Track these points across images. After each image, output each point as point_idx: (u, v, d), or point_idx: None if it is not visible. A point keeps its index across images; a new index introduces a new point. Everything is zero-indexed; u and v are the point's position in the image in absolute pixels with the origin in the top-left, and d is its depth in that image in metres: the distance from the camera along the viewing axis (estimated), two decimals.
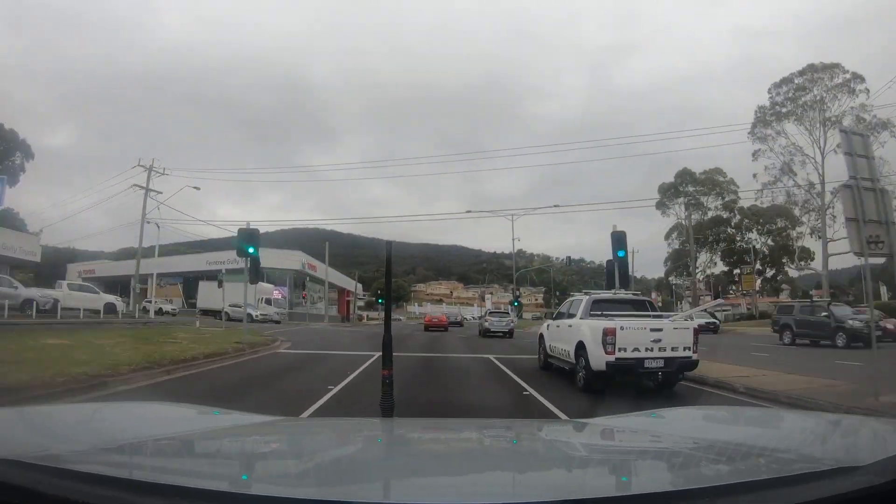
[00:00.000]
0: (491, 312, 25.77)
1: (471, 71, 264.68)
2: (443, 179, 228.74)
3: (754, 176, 33.55)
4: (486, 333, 21.95)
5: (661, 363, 6.72)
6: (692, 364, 6.95)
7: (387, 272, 3.96)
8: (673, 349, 6.76)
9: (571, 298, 9.75)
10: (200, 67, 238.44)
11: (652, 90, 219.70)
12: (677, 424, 1.77)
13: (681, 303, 50.13)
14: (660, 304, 28.18)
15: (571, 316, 8.36)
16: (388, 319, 3.69)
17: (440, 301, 72.99)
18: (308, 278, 41.74)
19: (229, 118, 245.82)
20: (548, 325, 9.85)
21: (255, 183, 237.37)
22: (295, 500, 0.81)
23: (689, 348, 6.83)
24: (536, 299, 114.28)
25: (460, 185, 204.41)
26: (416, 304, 74.37)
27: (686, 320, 7.43)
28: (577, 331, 7.62)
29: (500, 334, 21.55)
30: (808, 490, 0.83)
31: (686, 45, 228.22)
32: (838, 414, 3.49)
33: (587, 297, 8.33)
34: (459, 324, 35.16)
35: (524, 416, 4.90)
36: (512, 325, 22.82)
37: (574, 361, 7.56)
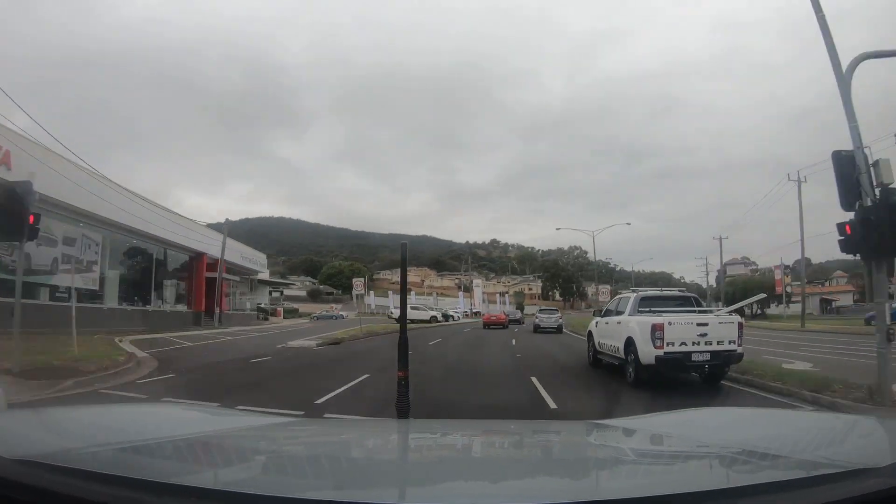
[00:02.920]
0: (541, 310, 32.90)
1: (447, 53, 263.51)
2: (414, 168, 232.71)
3: None
4: (537, 329, 27.35)
5: (707, 356, 7.80)
6: (738, 357, 8.04)
7: (402, 273, 4.48)
8: (719, 343, 7.86)
9: (619, 296, 11.03)
10: (164, 47, 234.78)
11: (631, 78, 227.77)
12: (694, 425, 1.93)
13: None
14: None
15: (620, 313, 9.59)
16: (403, 319, 4.21)
17: (409, 291, 72.00)
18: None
19: (195, 101, 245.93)
20: (596, 323, 11.11)
21: (223, 170, 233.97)
22: (310, 501, 0.90)
23: (734, 342, 7.93)
24: (531, 289, 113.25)
25: (432, 175, 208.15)
26: (372, 293, 61.56)
27: (730, 315, 8.68)
28: (626, 327, 8.82)
29: (551, 329, 26.84)
30: (827, 491, 0.91)
31: (667, 35, 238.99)
32: (856, 415, 4.00)
33: (635, 294, 9.61)
34: (520, 321, 39.96)
35: None
36: (560, 321, 28.37)
37: (624, 357, 8.76)
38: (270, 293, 62.49)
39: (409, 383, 3.95)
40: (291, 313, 51.03)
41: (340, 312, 54.49)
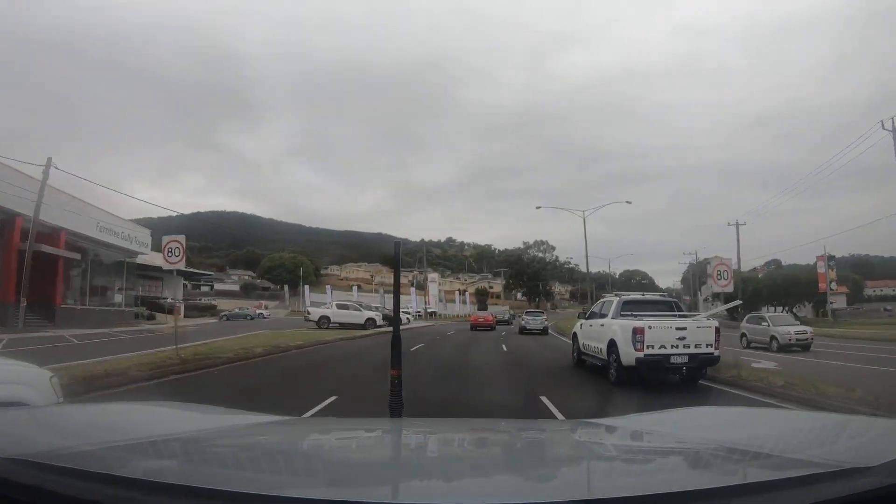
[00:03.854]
0: (527, 313, 33.75)
1: (407, 51, 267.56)
2: (371, 165, 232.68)
3: None
4: (523, 331, 28.95)
5: (685, 359, 8.64)
6: (714, 360, 8.92)
7: (395, 272, 4.68)
8: (697, 346, 8.71)
9: (603, 300, 11.87)
10: (116, 31, 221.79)
11: (590, 81, 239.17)
12: (687, 424, 2.01)
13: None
14: None
15: (603, 316, 10.38)
16: (396, 317, 4.35)
17: (357, 286, 63.56)
18: None
19: (144, 87, 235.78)
20: (581, 325, 11.98)
21: (175, 162, 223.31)
22: (303, 500, 0.94)
23: (712, 345, 8.80)
24: (491, 287, 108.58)
25: (388, 172, 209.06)
26: (307, 288, 55.05)
27: (708, 319, 9.57)
28: (608, 329, 9.62)
29: (537, 331, 28.23)
30: (819, 491, 0.96)
31: (627, 38, 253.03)
32: (848, 414, 4.09)
33: (618, 298, 10.40)
34: (508, 322, 41.28)
35: None
36: (546, 323, 30.10)
37: (606, 358, 9.55)
38: (187, 286, 56.74)
39: (402, 383, 4.09)
40: (207, 310, 46.37)
41: (261, 311, 47.93)
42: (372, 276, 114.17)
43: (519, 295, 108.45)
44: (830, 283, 38.42)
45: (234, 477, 1.23)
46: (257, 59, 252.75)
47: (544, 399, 7.65)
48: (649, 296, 11.18)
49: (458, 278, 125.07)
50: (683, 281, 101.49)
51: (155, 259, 42.53)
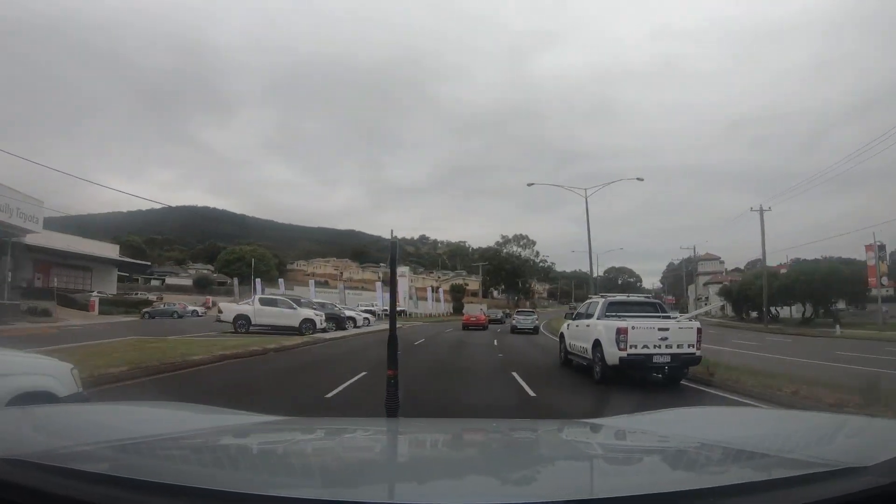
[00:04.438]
0: (518, 312, 35.61)
1: (384, 47, 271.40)
2: (344, 162, 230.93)
3: None
4: (514, 330, 30.17)
5: (667, 359, 9.17)
6: (696, 360, 9.46)
7: (391, 270, 4.86)
8: (678, 346, 9.23)
9: (589, 300, 12.40)
10: (87, 19, 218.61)
11: (567, 81, 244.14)
12: (683, 424, 2.07)
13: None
14: None
15: (589, 316, 10.90)
16: (392, 317, 4.48)
17: (316, 281, 59.21)
18: None
19: (114, 76, 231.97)
20: (567, 325, 12.57)
21: (146, 155, 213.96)
22: (300, 500, 0.98)
23: (693, 346, 9.35)
24: (467, 284, 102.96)
25: (362, 169, 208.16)
26: (259, 282, 48.48)
27: (690, 321, 10.17)
28: (594, 330, 10.13)
29: (528, 330, 29.49)
30: (815, 490, 0.99)
31: (605, 38, 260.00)
32: (843, 414, 4.27)
33: (603, 299, 10.95)
34: (500, 321, 42.79)
35: None
36: (536, 322, 31.30)
37: (592, 357, 10.07)
38: (125, 279, 52.63)
39: (399, 383, 4.19)
40: (139, 305, 41.04)
41: (197, 308, 42.95)
42: (340, 272, 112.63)
43: (496, 293, 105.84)
44: (881, 277, 31.80)
45: (230, 477, 1.28)
46: (233, 50, 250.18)
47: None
48: (634, 297, 11.77)
49: (430, 275, 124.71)
50: (663, 280, 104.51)
51: (81, 245, 38.53)
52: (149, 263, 65.12)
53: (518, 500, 1.15)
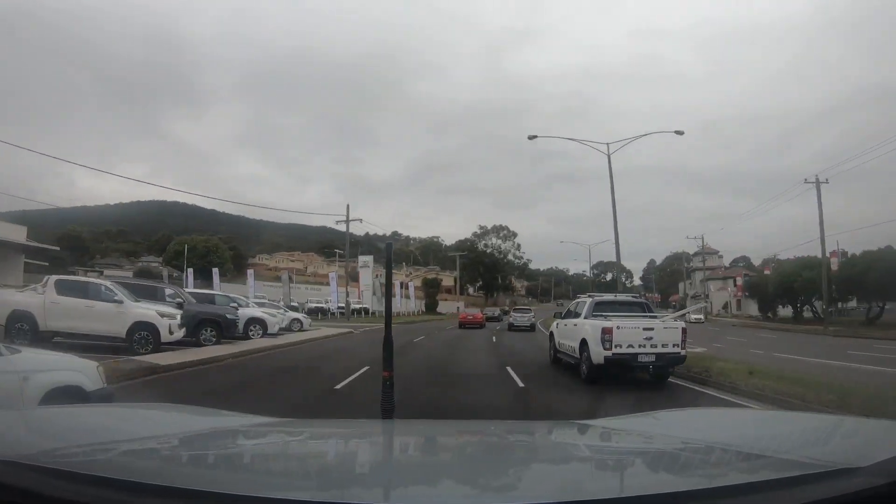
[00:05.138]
0: (516, 310, 36.48)
1: (360, 42, 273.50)
2: (317, 158, 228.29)
3: None
4: (511, 327, 31.43)
5: (652, 358, 9.65)
6: (680, 359, 9.99)
7: (387, 272, 5.11)
8: (663, 346, 9.73)
9: (578, 300, 12.98)
10: (59, 9, 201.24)
11: (543, 78, 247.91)
12: (677, 426, 2.15)
13: None
14: None
15: (577, 315, 11.42)
16: (388, 318, 4.58)
17: (279, 278, 50.11)
18: None
19: (83, 66, 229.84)
20: (557, 324, 13.08)
21: (115, 149, 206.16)
22: (295, 501, 1.02)
23: (678, 345, 9.86)
24: (441, 280, 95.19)
25: (335, 165, 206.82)
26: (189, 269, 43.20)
27: (675, 321, 10.72)
28: (581, 329, 10.63)
29: (525, 328, 30.54)
30: (809, 491, 1.03)
31: (584, 37, 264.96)
32: (837, 415, 4.37)
33: (591, 299, 11.49)
34: (498, 319, 44.94)
35: None
36: (533, 320, 32.60)
37: (578, 356, 10.57)
38: (45, 270, 48.79)
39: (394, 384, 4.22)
40: None
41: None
42: (305, 267, 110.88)
43: (472, 290, 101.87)
44: None
45: (225, 478, 1.33)
46: (206, 42, 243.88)
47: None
48: (622, 297, 12.18)
49: (401, 270, 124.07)
50: (643, 279, 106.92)
51: None
52: (57, 248, 60.00)
53: (512, 501, 1.20)
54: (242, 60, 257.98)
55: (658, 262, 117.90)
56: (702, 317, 48.85)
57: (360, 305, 46.27)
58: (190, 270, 44.01)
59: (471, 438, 2.20)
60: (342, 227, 42.77)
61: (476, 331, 30.45)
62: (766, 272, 60.75)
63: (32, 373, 3.79)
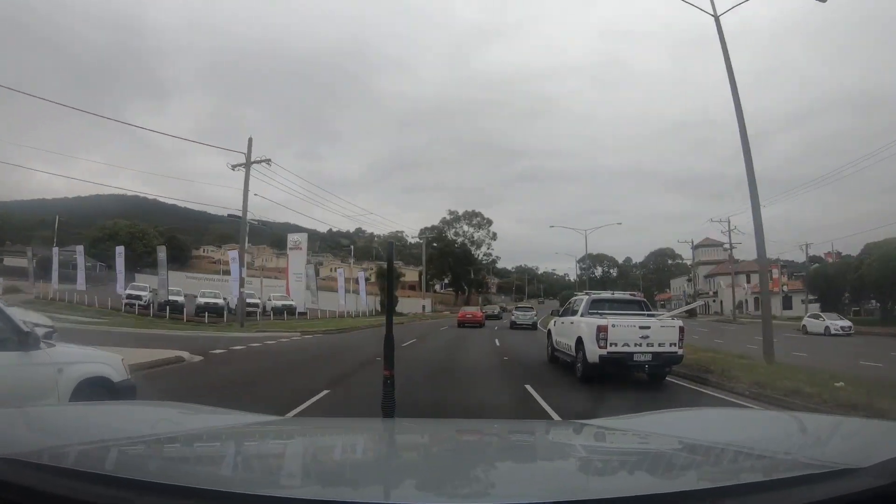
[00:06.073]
0: (517, 308, 38.27)
1: (327, 35, 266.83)
2: (280, 152, 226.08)
3: None
4: (513, 325, 32.91)
5: (648, 357, 9.93)
6: (678, 358, 10.31)
7: (388, 271, 5.34)
8: (660, 345, 10.03)
9: (575, 297, 13.24)
10: None
11: (509, 77, 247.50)
12: (677, 426, 2.20)
13: None
14: None
15: (574, 313, 11.69)
16: (389, 317, 4.74)
17: (227, 273, 40.20)
18: None
19: (34, 48, 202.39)
20: (554, 322, 13.43)
21: (72, 139, 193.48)
22: (295, 500, 1.06)
23: (675, 344, 10.15)
24: (403, 275, 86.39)
25: (297, 160, 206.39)
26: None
27: (672, 319, 10.99)
28: (577, 327, 10.94)
29: (527, 326, 32.01)
30: (810, 492, 1.07)
31: (553, 36, 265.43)
32: (838, 416, 4.56)
33: (587, 296, 11.76)
34: (498, 317, 47.68)
35: None
36: (535, 318, 33.72)
37: (574, 355, 10.86)
38: None
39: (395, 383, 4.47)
40: None
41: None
42: (253, 260, 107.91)
43: (438, 287, 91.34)
44: None
45: (226, 476, 1.37)
46: (170, 29, 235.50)
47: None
48: (619, 295, 12.48)
49: (360, 265, 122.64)
50: (620, 277, 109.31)
51: None
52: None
53: (511, 500, 1.23)
54: (205, 50, 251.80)
55: (635, 260, 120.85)
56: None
57: (285, 302, 34.04)
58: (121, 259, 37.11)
59: (471, 438, 2.30)
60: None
61: (476, 330, 30.73)
62: (830, 260, 52.41)
63: (66, 365, 4.24)
